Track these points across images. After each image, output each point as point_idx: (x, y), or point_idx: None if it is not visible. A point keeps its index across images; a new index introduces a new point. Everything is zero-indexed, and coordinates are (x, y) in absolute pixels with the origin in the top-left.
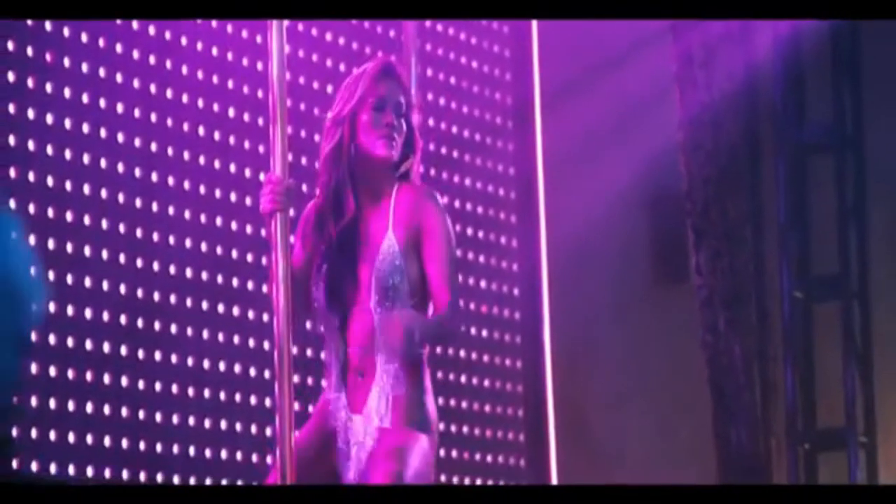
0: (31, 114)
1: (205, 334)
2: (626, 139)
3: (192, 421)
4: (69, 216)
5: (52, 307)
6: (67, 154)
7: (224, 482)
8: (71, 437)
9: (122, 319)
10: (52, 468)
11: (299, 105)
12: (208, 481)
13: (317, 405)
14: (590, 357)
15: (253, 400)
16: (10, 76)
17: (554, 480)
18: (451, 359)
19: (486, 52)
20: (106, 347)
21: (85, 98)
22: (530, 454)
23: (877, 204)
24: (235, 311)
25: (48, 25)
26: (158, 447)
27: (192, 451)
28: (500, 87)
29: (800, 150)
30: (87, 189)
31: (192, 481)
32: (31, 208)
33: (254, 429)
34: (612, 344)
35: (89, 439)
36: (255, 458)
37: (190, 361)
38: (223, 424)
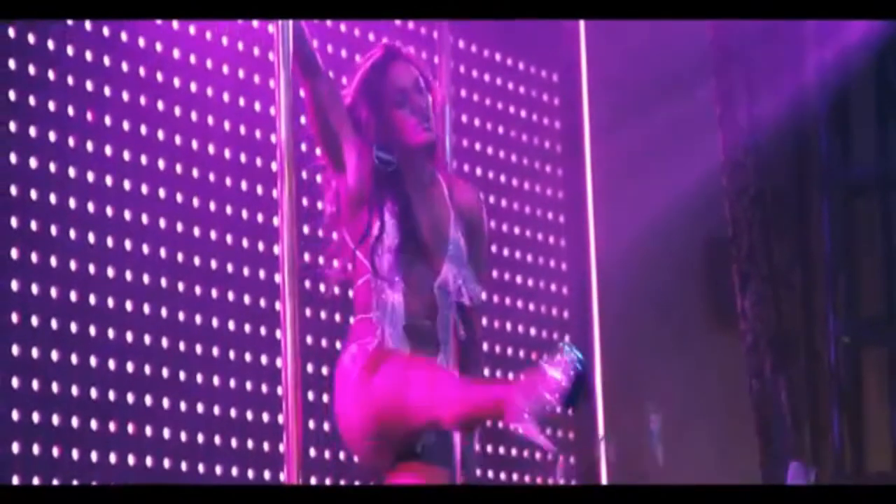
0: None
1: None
2: (673, 176)
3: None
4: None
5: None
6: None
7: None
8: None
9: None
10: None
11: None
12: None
13: None
14: (641, 390)
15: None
16: None
17: None
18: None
19: (534, 77)
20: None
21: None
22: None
23: None
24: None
25: (11, 32)
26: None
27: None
28: (549, 113)
29: (846, 191)
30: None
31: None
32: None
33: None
34: (664, 378)
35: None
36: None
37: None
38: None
